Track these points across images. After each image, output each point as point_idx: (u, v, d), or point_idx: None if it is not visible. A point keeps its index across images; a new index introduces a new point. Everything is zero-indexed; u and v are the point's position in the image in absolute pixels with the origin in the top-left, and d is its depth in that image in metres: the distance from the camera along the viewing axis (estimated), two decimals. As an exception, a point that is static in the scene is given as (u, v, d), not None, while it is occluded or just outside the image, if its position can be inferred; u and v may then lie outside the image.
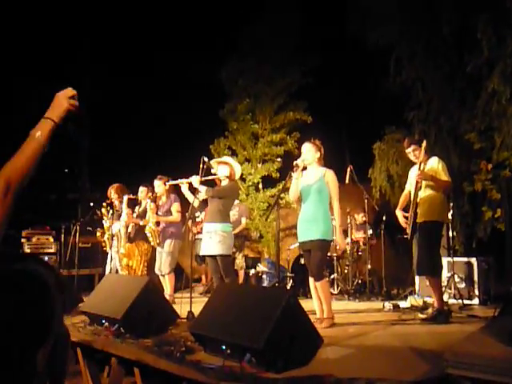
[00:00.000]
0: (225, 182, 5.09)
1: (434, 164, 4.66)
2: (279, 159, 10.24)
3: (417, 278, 5.77)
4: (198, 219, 7.52)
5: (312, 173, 4.39)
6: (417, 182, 4.64)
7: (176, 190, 6.39)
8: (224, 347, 2.89)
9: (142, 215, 6.24)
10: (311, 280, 4.33)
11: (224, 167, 5.08)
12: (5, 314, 0.62)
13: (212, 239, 4.76)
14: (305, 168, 4.47)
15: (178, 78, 10.98)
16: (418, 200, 4.70)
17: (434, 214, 4.61)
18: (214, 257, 4.81)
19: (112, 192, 6.64)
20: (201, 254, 5.09)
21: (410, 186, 5.00)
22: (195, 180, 4.79)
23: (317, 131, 4.93)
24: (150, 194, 6.38)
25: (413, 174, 4.92)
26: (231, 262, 5.24)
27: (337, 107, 9.93)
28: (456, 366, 1.97)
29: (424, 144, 4.63)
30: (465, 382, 1.95)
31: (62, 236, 7.31)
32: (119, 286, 4.18)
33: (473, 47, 7.05)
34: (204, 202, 5.77)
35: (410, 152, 4.81)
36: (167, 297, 5.71)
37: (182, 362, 2.93)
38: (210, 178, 4.91)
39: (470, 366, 1.96)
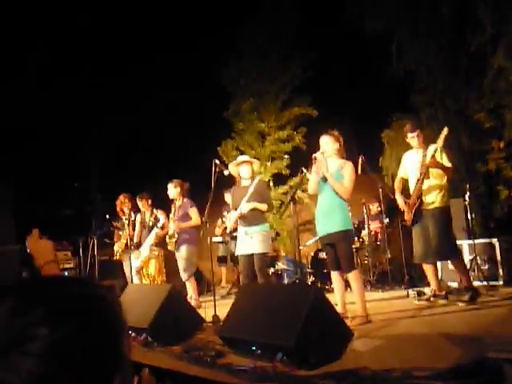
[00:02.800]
0: (247, 182, 5.12)
1: (437, 151, 4.66)
2: (287, 156, 10.19)
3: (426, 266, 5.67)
4: (225, 219, 7.53)
5: (331, 165, 4.34)
6: (423, 170, 4.62)
7: (189, 193, 6.41)
8: (254, 348, 2.88)
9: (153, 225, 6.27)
10: (334, 273, 4.29)
11: (246, 167, 5.09)
12: (79, 343, 0.60)
13: (253, 239, 4.88)
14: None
15: (179, 81, 10.96)
16: (426, 187, 4.69)
17: (444, 199, 4.70)
18: (250, 256, 4.89)
19: (125, 200, 6.65)
20: (238, 253, 5.11)
21: (404, 172, 5.02)
22: (241, 210, 4.93)
23: (323, 124, 4.89)
24: (149, 201, 6.43)
25: (410, 159, 4.93)
26: (266, 262, 5.30)
27: (341, 98, 9.85)
28: (497, 349, 1.93)
29: (445, 131, 4.58)
30: (507, 365, 1.91)
31: (80, 250, 7.32)
32: (143, 295, 4.19)
33: (474, 26, 6.95)
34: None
35: (414, 137, 4.81)
36: (193, 302, 5.72)
37: (213, 366, 2.93)
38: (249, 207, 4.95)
39: None
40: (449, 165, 4.65)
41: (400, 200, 4.94)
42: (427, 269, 4.83)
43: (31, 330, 0.58)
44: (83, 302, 0.64)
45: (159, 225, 6.06)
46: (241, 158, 5.40)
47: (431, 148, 4.70)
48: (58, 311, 0.61)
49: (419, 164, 4.74)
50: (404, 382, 2.37)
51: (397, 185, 5.11)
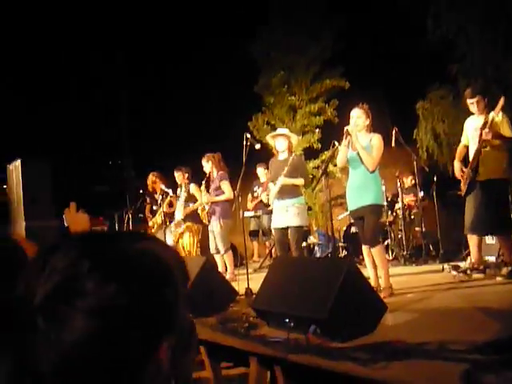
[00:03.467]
0: (284, 155, 5.10)
1: (498, 118, 4.44)
2: (318, 130, 10.07)
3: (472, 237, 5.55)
4: (255, 194, 7.54)
5: (361, 139, 4.27)
6: (481, 139, 4.43)
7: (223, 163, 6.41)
8: (287, 320, 2.90)
9: (189, 198, 6.34)
10: (365, 247, 4.27)
11: (281, 140, 5.07)
12: (126, 298, 0.59)
13: (289, 212, 4.91)
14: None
15: (210, 56, 10.92)
16: (483, 157, 4.51)
17: (501, 172, 4.50)
18: (285, 229, 4.93)
19: (156, 179, 6.75)
20: (273, 226, 5.14)
21: (465, 139, 4.81)
22: (280, 184, 4.92)
23: (355, 97, 4.79)
24: (187, 175, 6.45)
25: (471, 126, 4.72)
26: (302, 235, 5.32)
27: (374, 69, 9.60)
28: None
29: (502, 101, 4.40)
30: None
31: (116, 226, 7.50)
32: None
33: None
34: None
35: (474, 103, 4.60)
36: (229, 275, 5.81)
37: (247, 338, 2.98)
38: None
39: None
40: (509, 134, 4.41)
41: (458, 168, 4.78)
42: (471, 239, 4.67)
43: (79, 284, 0.58)
44: (134, 256, 0.63)
45: (181, 201, 6.13)
46: (279, 130, 5.37)
47: (490, 117, 4.50)
48: (105, 264, 0.60)
49: (479, 131, 4.56)
50: (439, 354, 2.34)
51: (458, 151, 4.92)
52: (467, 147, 4.81)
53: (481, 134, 4.45)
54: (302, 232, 5.14)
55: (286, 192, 4.96)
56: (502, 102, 4.38)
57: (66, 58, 10.81)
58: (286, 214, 4.92)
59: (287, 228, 4.92)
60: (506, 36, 7.28)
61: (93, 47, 11.00)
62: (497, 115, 4.41)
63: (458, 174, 4.77)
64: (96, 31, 10.97)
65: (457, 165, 4.79)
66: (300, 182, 5.00)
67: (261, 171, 7.59)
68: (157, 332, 0.61)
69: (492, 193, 4.46)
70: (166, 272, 0.65)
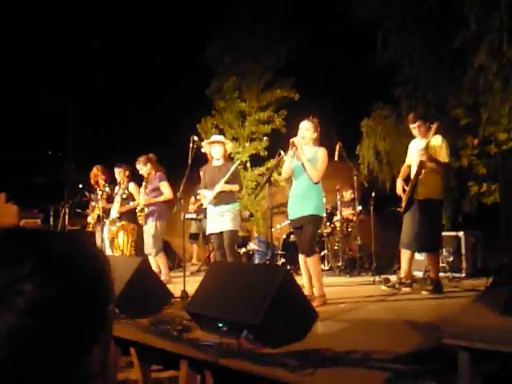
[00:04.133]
0: (219, 162, 5.12)
1: (438, 143, 4.72)
2: (266, 138, 10.18)
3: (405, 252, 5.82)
4: (198, 197, 7.49)
5: (306, 151, 4.37)
6: (420, 160, 4.69)
7: (165, 167, 6.35)
8: (221, 325, 2.91)
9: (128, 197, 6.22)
10: (301, 256, 4.36)
11: (217, 147, 5.10)
12: (61, 299, 0.59)
13: (224, 217, 4.98)
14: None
15: (162, 56, 10.78)
16: (421, 178, 4.76)
17: (437, 193, 4.77)
18: (221, 234, 4.98)
19: (99, 174, 6.57)
20: (209, 232, 5.20)
21: (409, 160, 5.08)
22: (218, 190, 4.99)
23: (304, 108, 4.90)
24: (127, 173, 6.35)
25: (414, 147, 4.99)
26: (236, 240, 5.36)
27: (324, 84, 9.85)
28: (452, 336, 2.01)
29: (435, 126, 4.67)
30: (461, 352, 1.99)
31: (51, 219, 7.20)
32: (113, 266, 4.16)
33: (460, 21, 7.01)
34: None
35: (416, 127, 4.85)
36: (164, 277, 5.73)
37: (179, 340, 2.96)
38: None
39: (466, 335, 2.00)
40: (446, 159, 4.71)
41: (399, 186, 5.00)
42: (404, 254, 4.90)
43: (17, 285, 0.58)
44: (73, 260, 0.63)
45: (118, 199, 6.02)
46: (214, 137, 5.39)
47: (434, 139, 4.75)
48: (45, 269, 0.60)
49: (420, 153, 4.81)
50: (364, 363, 2.44)
51: (402, 170, 5.18)
52: (410, 167, 5.08)
53: (419, 159, 4.73)
54: (236, 236, 5.22)
55: (224, 198, 5.03)
56: (435, 127, 4.67)
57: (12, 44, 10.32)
58: (221, 219, 4.99)
59: (222, 233, 4.97)
60: (448, 65, 7.71)
61: (41, 38, 10.57)
62: (432, 139, 4.68)
63: (399, 191, 5.01)
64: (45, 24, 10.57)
65: (399, 183, 5.04)
66: (236, 188, 5.11)
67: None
68: (89, 333, 0.61)
69: (427, 212, 4.72)
70: (100, 274, 0.65)
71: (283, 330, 2.79)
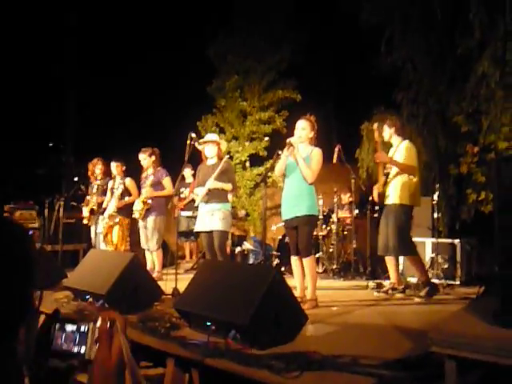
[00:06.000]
0: (213, 161, 5.10)
1: (403, 146, 4.78)
2: (267, 138, 10.16)
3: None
4: (182, 195, 7.45)
5: (301, 150, 4.33)
6: (375, 162, 4.74)
7: (163, 163, 6.33)
8: (209, 323, 2.89)
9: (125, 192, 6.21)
10: (293, 258, 4.34)
11: (211, 146, 5.08)
12: None
13: (214, 216, 4.94)
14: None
15: (165, 53, 10.76)
16: (390, 182, 4.80)
17: (402, 197, 4.74)
18: (210, 233, 4.95)
19: (99, 165, 6.55)
20: (197, 230, 5.18)
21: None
22: (209, 187, 4.97)
23: (305, 110, 4.86)
24: (124, 167, 6.34)
25: (389, 153, 5.03)
26: (226, 240, 5.30)
27: (326, 86, 9.85)
28: (440, 345, 1.98)
29: (392, 130, 4.84)
30: (448, 360, 1.97)
31: (46, 211, 7.19)
32: (104, 261, 4.15)
33: (465, 29, 6.99)
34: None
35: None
36: (156, 273, 5.71)
37: (166, 338, 2.93)
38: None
39: (454, 344, 1.98)
40: (408, 163, 4.70)
41: (375, 192, 5.00)
42: (388, 261, 4.91)
43: None
44: (2, 240, 0.61)
45: (117, 193, 6.00)
46: (208, 136, 5.33)
47: (402, 144, 4.82)
48: None
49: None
50: (351, 368, 2.41)
51: (380, 176, 5.16)
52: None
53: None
54: (226, 237, 5.15)
55: (214, 196, 4.99)
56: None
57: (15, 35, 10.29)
58: (211, 218, 4.95)
59: (212, 232, 4.94)
60: (451, 71, 7.69)
61: (42, 26, 10.54)
62: (399, 143, 4.81)
63: (375, 197, 5.04)
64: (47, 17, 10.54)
65: (375, 189, 5.06)
66: (228, 187, 5.04)
67: (188, 172, 7.53)
68: (14, 313, 0.60)
69: (392, 216, 4.74)
70: (29, 260, 0.64)
71: (271, 332, 2.77)
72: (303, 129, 4.33)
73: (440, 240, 5.78)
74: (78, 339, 1.39)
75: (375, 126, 5.05)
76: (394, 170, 4.82)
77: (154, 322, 3.26)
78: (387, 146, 5.19)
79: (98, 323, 1.35)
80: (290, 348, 2.73)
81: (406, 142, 4.84)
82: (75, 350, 1.36)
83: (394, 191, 4.77)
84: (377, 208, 5.10)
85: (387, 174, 4.87)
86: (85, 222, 6.55)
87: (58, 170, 10.83)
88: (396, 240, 4.67)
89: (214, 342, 2.74)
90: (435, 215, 5.81)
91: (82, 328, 1.42)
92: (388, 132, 4.96)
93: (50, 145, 11.73)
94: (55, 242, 6.37)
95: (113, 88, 10.83)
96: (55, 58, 10.97)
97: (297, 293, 4.18)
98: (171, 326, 3.16)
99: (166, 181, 6.06)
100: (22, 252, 0.62)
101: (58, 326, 1.36)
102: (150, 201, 5.96)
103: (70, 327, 1.40)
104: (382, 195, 4.88)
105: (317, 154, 4.27)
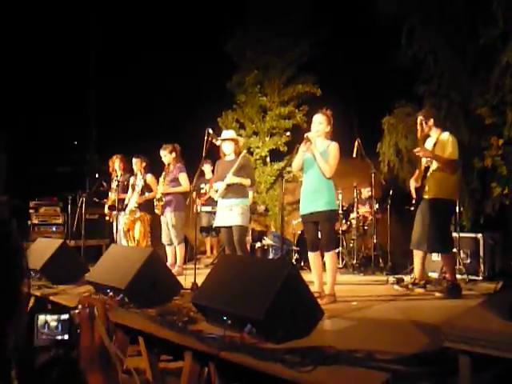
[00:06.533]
0: (231, 157, 5.14)
1: (444, 138, 4.61)
2: (288, 133, 10.14)
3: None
4: (202, 191, 7.50)
5: (318, 145, 4.33)
6: (416, 156, 4.63)
7: (185, 159, 6.38)
8: (225, 318, 2.92)
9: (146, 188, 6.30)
10: (311, 253, 4.33)
11: (228, 143, 5.12)
12: None
13: (233, 211, 4.98)
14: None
15: (185, 49, 10.81)
16: (429, 176, 4.66)
17: (443, 191, 4.58)
18: (230, 228, 4.99)
19: (117, 162, 6.67)
20: (216, 225, 5.23)
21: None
22: (227, 182, 5.01)
23: (326, 104, 4.84)
24: (144, 164, 6.41)
25: (427, 145, 4.87)
26: (245, 235, 5.33)
27: (346, 80, 9.73)
28: (453, 340, 1.97)
29: (431, 122, 4.59)
30: (462, 356, 1.95)
31: (69, 207, 7.36)
32: (124, 256, 4.22)
33: (487, 19, 6.83)
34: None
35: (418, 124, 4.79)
36: (177, 268, 5.78)
37: (183, 332, 2.97)
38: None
39: (468, 339, 1.95)
40: (451, 157, 4.54)
41: (412, 185, 4.90)
42: (416, 255, 4.79)
43: None
44: None
45: (137, 189, 6.08)
46: (225, 133, 5.35)
47: (442, 135, 4.67)
48: None
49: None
50: (365, 363, 2.41)
51: (417, 171, 5.06)
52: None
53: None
54: (245, 232, 5.20)
55: (232, 191, 5.02)
56: (430, 123, 4.66)
57: (34, 32, 10.50)
58: (229, 213, 4.99)
59: (231, 227, 4.97)
60: (473, 63, 7.52)
61: (63, 21, 10.72)
62: (440, 135, 4.62)
63: (412, 191, 4.91)
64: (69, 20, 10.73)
65: (412, 183, 4.92)
66: (247, 182, 5.07)
67: (207, 168, 7.58)
68: (2, 307, 0.61)
69: (432, 211, 4.59)
70: (18, 257, 0.65)
71: (286, 326, 2.78)
72: (320, 123, 4.32)
73: (462, 234, 5.70)
74: (61, 327, 1.47)
75: (420, 118, 4.84)
76: (434, 163, 4.65)
77: (172, 316, 3.31)
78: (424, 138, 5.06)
79: (77, 310, 1.42)
80: (306, 342, 2.74)
81: (447, 134, 4.66)
82: (59, 337, 1.45)
83: (435, 186, 4.60)
84: (413, 202, 4.91)
85: (427, 168, 4.73)
86: (107, 218, 6.69)
87: (82, 167, 11.04)
88: (435, 236, 4.52)
89: (230, 335, 2.77)
90: (457, 210, 5.71)
91: (63, 317, 1.50)
92: (427, 124, 4.82)
93: (75, 143, 11.99)
94: (78, 238, 6.51)
95: (133, 85, 10.95)
96: (78, 58, 11.15)
97: (314, 288, 4.19)
98: (189, 320, 3.21)
99: (182, 177, 6.09)
100: (2, 245, 0.64)
101: (39, 320, 1.45)
102: (167, 197, 6.02)
103: (50, 318, 1.49)
104: (420, 189, 4.74)
105: (334, 148, 4.25)
